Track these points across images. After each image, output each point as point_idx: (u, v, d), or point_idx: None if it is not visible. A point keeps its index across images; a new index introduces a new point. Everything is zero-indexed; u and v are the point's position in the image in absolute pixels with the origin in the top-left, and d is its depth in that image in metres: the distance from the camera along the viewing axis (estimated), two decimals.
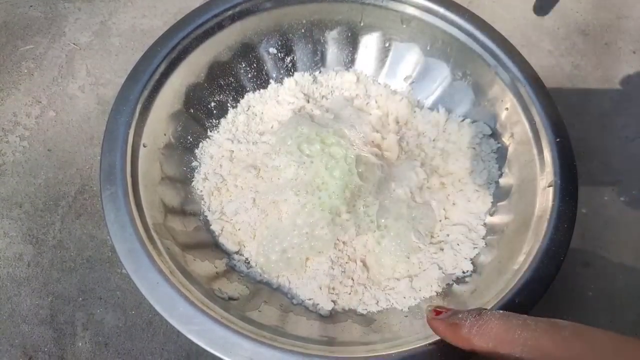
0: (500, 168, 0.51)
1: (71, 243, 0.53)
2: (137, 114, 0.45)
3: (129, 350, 0.48)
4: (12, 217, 0.54)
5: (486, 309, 0.34)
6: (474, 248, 0.48)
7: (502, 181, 0.50)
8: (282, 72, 0.57)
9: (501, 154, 0.51)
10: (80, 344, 0.48)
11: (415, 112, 0.56)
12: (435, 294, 0.46)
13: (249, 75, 0.56)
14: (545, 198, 0.43)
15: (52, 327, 0.49)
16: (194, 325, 0.36)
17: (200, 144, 0.53)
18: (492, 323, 0.32)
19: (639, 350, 0.28)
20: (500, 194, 0.50)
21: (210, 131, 0.54)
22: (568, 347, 0.29)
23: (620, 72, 0.63)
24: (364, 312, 0.46)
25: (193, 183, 0.51)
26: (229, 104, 0.55)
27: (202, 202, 0.50)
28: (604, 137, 0.59)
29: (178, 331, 0.48)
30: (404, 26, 0.54)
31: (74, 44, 0.65)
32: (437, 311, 0.36)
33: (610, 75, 0.63)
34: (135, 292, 0.50)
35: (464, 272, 0.47)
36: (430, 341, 0.36)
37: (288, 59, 0.57)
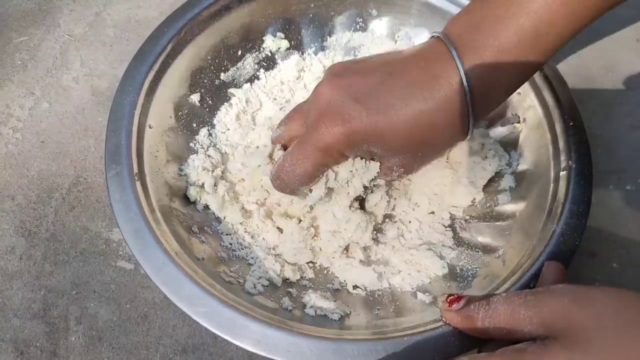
0: (512, 153, 0.50)
1: (64, 236, 0.51)
2: (143, 95, 0.44)
3: (124, 344, 0.46)
4: (4, 209, 0.52)
5: (494, 294, 0.33)
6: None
7: (515, 166, 0.49)
8: (288, 57, 0.56)
9: (513, 139, 0.50)
10: (73, 339, 0.46)
11: None
12: (441, 275, 0.45)
13: (255, 60, 0.55)
14: (559, 182, 0.43)
15: (44, 322, 0.47)
16: (200, 307, 0.35)
17: (205, 128, 0.51)
18: (499, 309, 0.32)
19: (638, 307, 0.29)
20: (512, 180, 0.49)
21: (214, 116, 0.53)
22: (567, 317, 0.29)
23: (623, 60, 0.63)
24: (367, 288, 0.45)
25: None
26: (234, 88, 0.54)
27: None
28: (608, 126, 0.58)
29: (174, 325, 0.47)
30: (414, 10, 0.54)
31: (68, 35, 0.63)
32: (450, 301, 0.35)
33: (613, 64, 0.63)
34: (130, 285, 0.49)
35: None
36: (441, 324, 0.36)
37: (294, 44, 0.56)
